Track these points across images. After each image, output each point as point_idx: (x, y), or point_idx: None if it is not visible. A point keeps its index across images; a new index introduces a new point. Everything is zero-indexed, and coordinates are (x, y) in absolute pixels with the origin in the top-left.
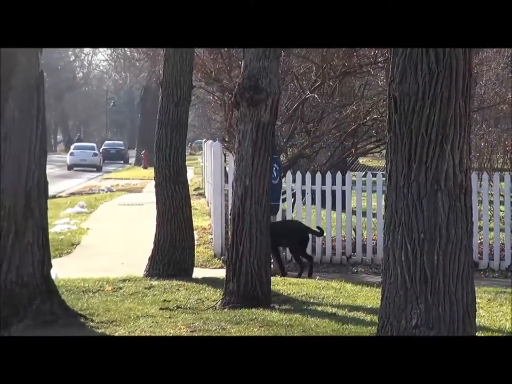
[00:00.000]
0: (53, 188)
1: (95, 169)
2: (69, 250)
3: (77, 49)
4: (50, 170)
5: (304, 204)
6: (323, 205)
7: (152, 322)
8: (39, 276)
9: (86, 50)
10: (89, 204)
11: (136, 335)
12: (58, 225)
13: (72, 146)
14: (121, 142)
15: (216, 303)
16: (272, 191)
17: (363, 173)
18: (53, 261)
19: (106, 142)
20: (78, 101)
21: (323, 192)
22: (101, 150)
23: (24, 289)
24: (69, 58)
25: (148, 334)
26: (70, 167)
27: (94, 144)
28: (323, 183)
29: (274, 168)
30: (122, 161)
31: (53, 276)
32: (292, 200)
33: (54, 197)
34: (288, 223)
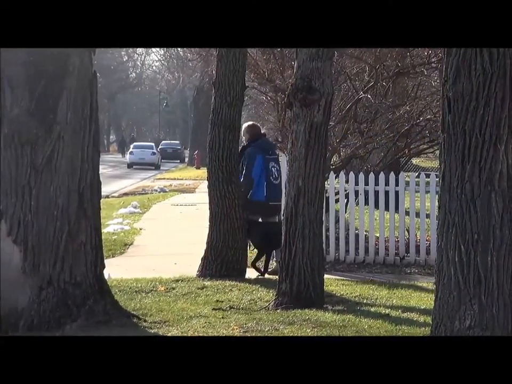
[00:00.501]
0: (106, 188)
1: (153, 167)
2: (122, 251)
3: (130, 50)
4: (103, 170)
5: (357, 204)
6: (376, 206)
7: (205, 322)
8: (92, 276)
9: (139, 50)
10: (142, 204)
11: (189, 335)
12: (111, 226)
13: (131, 146)
14: (178, 142)
15: (269, 304)
16: (274, 191)
17: (416, 174)
18: (106, 261)
19: (163, 142)
20: (130, 101)
21: (376, 193)
22: (158, 149)
23: (77, 289)
24: (122, 59)
25: (200, 335)
26: (130, 165)
27: (153, 144)
28: (376, 184)
29: (274, 168)
30: (178, 161)
31: (106, 276)
32: (345, 200)
33: (107, 197)
34: None
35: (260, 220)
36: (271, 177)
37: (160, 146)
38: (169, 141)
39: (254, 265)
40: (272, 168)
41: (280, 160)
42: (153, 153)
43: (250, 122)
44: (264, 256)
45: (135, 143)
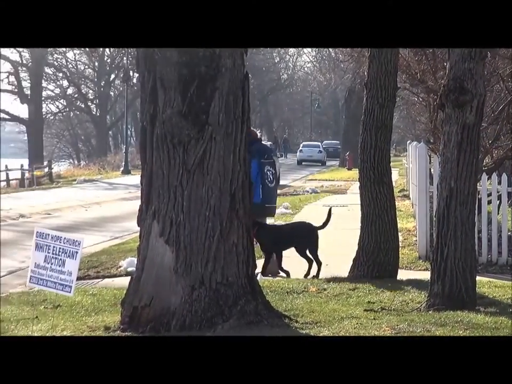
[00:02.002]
0: None
1: (320, 163)
2: None
3: (282, 51)
4: None
5: (510, 206)
6: None
7: (357, 323)
8: (243, 276)
9: (291, 51)
10: (294, 205)
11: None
12: None
13: (301, 145)
14: (338, 142)
15: (421, 305)
16: (268, 194)
17: None
18: (257, 262)
19: (325, 141)
20: (282, 102)
21: None
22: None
23: (229, 289)
24: (273, 60)
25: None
26: (299, 162)
27: (319, 143)
28: None
29: (270, 172)
30: (338, 159)
31: (258, 277)
32: (497, 202)
33: None
34: (296, 224)
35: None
36: (266, 180)
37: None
38: (330, 141)
39: (280, 268)
40: (268, 172)
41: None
42: (320, 151)
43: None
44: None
45: (304, 143)
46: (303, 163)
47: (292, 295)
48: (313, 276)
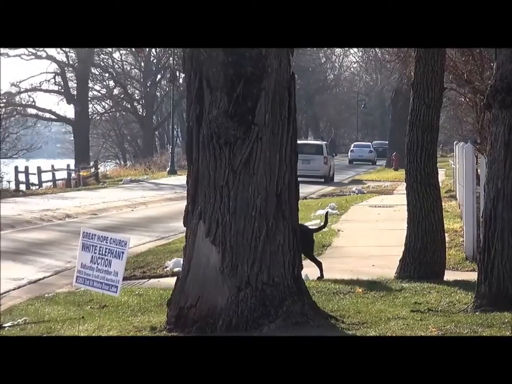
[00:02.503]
0: (304, 190)
1: (370, 163)
2: (320, 252)
3: (328, 51)
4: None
5: None
6: None
7: (403, 324)
8: (290, 277)
9: (337, 51)
10: (340, 206)
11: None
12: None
13: (352, 145)
14: (387, 142)
15: (468, 306)
16: None
17: None
18: (304, 262)
19: (374, 142)
20: (328, 103)
21: None
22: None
23: (275, 290)
24: (320, 60)
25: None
26: (351, 161)
27: (370, 143)
28: None
29: None
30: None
31: (304, 277)
32: None
33: (304, 198)
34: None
35: None
36: None
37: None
38: (379, 141)
39: None
40: None
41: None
42: (370, 151)
43: None
44: None
45: (355, 143)
46: (354, 162)
47: (338, 295)
48: (318, 277)
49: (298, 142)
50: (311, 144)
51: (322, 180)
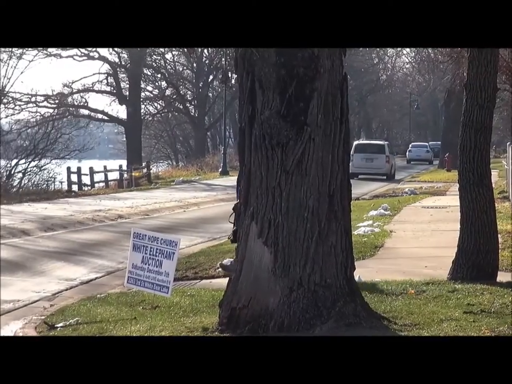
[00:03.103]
0: (356, 190)
1: (427, 162)
2: (372, 253)
3: (381, 52)
4: None
5: None
6: None
7: (456, 326)
8: (342, 278)
9: (390, 52)
10: (393, 207)
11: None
12: (361, 228)
13: (410, 145)
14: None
15: None
16: None
17: None
18: (356, 263)
19: (430, 142)
20: (381, 103)
21: None
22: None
23: (327, 291)
24: (372, 61)
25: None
26: (408, 161)
27: (427, 144)
28: None
29: None
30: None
31: (356, 278)
32: None
33: (357, 199)
34: None
35: None
36: None
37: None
38: (435, 142)
39: None
40: None
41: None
42: (428, 151)
43: None
44: None
45: (413, 143)
46: (411, 162)
47: (391, 297)
48: None
49: (363, 142)
50: (374, 144)
51: (385, 177)
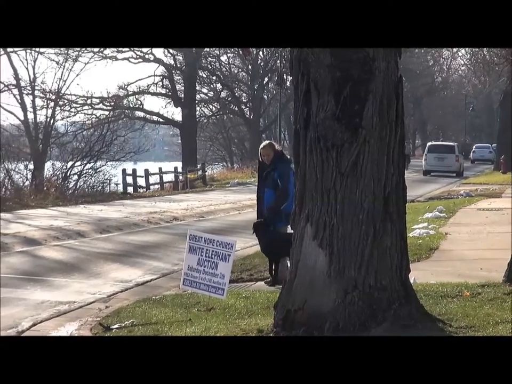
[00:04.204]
0: (412, 193)
1: (490, 162)
2: (427, 255)
3: (436, 54)
4: (408, 175)
5: None
6: None
7: None
8: (397, 280)
9: (445, 54)
10: (448, 209)
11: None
12: (416, 230)
13: (474, 146)
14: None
15: None
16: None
17: None
18: (411, 265)
19: (492, 144)
20: (436, 106)
21: None
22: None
23: (382, 293)
24: (427, 63)
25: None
26: (473, 161)
27: (490, 145)
28: None
29: None
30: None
31: (411, 280)
32: None
33: (412, 201)
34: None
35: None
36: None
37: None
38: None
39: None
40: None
41: None
42: (490, 152)
43: (268, 142)
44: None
45: (476, 144)
46: (475, 162)
47: (446, 299)
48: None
49: (435, 143)
50: (445, 145)
51: (454, 175)
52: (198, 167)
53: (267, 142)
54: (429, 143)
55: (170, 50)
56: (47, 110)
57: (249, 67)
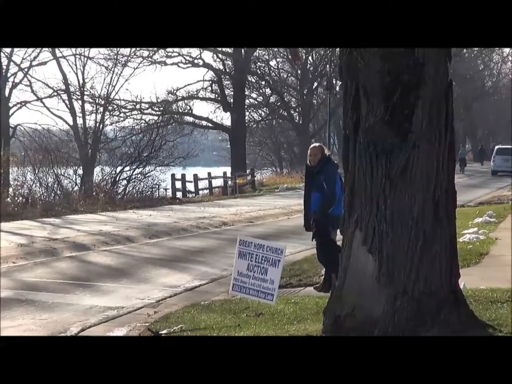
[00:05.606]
0: (462, 198)
1: None
2: (477, 260)
3: (486, 58)
4: (458, 179)
5: None
6: None
7: None
8: (447, 286)
9: (495, 58)
10: (498, 214)
11: None
12: (466, 235)
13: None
14: None
15: None
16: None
17: None
18: (461, 271)
19: None
20: (486, 110)
21: None
22: None
23: (431, 298)
24: (478, 67)
25: None
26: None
27: None
28: None
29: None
30: None
31: (461, 286)
32: None
33: (462, 206)
34: None
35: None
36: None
37: None
38: None
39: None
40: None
41: None
42: None
43: (318, 143)
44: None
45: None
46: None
47: (496, 304)
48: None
49: (502, 146)
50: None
51: None
52: (247, 172)
53: (317, 143)
54: (497, 146)
55: (220, 55)
56: (96, 115)
57: (299, 72)
